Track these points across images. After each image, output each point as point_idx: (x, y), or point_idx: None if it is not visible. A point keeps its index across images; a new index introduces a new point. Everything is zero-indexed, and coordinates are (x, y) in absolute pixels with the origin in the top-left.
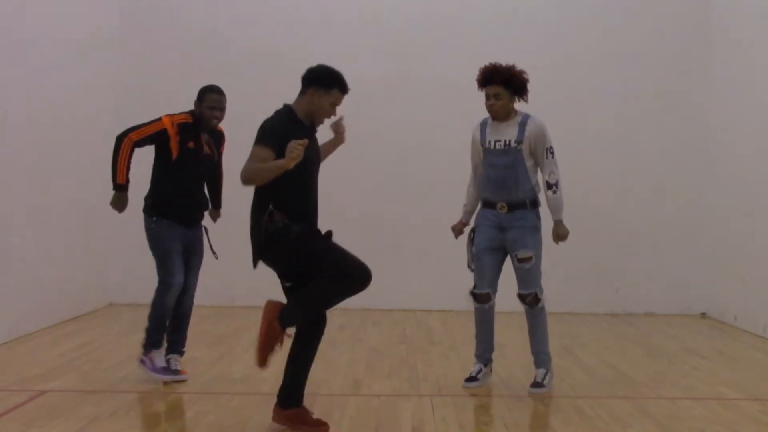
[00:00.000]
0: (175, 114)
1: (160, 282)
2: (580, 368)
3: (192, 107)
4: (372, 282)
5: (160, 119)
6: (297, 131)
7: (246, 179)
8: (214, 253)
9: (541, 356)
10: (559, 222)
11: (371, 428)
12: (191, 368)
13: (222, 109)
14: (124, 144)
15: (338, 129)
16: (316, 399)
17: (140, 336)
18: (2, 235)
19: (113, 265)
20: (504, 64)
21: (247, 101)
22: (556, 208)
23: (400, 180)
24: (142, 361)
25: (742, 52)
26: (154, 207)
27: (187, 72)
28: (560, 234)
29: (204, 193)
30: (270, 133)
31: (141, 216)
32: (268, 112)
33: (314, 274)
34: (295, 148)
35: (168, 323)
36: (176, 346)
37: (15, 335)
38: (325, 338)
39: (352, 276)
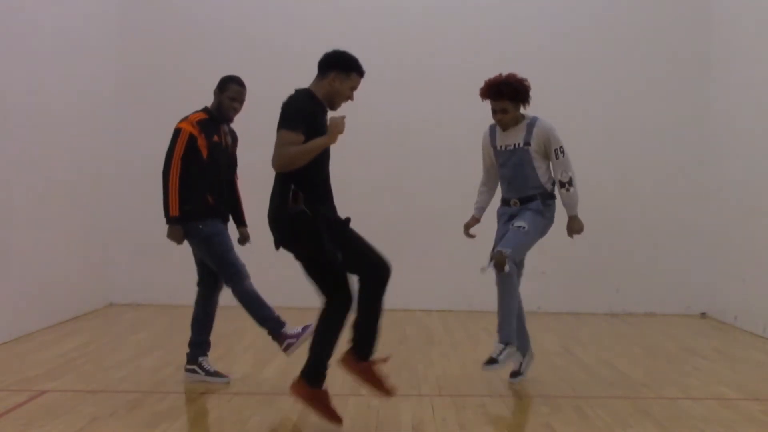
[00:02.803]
0: (189, 115)
1: (233, 277)
2: (580, 368)
3: (197, 103)
4: None
5: (180, 129)
6: (322, 112)
7: (286, 164)
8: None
9: (503, 329)
10: (574, 217)
11: (371, 428)
12: None
13: (242, 101)
14: (171, 174)
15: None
16: None
17: (140, 336)
18: (2, 235)
19: (113, 265)
20: (505, 76)
21: (250, 94)
22: (570, 205)
23: (400, 180)
24: (287, 342)
25: (742, 52)
26: (195, 211)
27: (188, 64)
28: (574, 228)
29: (231, 187)
30: (297, 116)
31: (140, 215)
32: (271, 107)
33: (322, 267)
34: (340, 123)
35: (200, 326)
36: (207, 347)
37: (15, 335)
38: None
39: (342, 295)
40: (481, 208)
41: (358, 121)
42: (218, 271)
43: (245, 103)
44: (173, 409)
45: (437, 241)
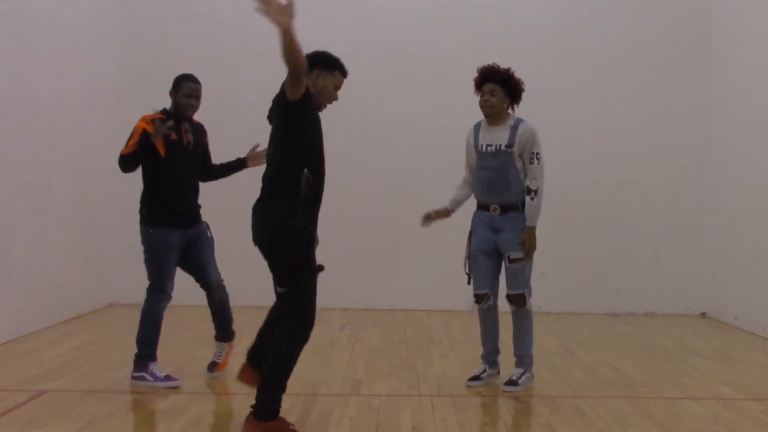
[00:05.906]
0: (146, 115)
1: (156, 289)
2: (580, 368)
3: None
4: (372, 282)
5: (136, 126)
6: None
7: (296, 59)
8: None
9: (524, 359)
10: (532, 229)
11: (371, 428)
12: (191, 368)
13: (198, 97)
14: (123, 153)
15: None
16: (316, 399)
17: None
18: (2, 235)
19: (113, 265)
20: (502, 67)
21: (250, 94)
22: (531, 216)
23: (400, 180)
24: (140, 377)
25: (742, 52)
26: (150, 216)
27: (188, 64)
28: (528, 240)
29: (196, 188)
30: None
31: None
32: (270, 103)
33: (291, 288)
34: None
35: (215, 321)
36: (228, 335)
37: (15, 335)
38: (325, 338)
39: (308, 317)
40: (457, 202)
41: (359, 121)
42: (148, 276)
43: (243, 99)
44: (173, 409)
45: (437, 241)
